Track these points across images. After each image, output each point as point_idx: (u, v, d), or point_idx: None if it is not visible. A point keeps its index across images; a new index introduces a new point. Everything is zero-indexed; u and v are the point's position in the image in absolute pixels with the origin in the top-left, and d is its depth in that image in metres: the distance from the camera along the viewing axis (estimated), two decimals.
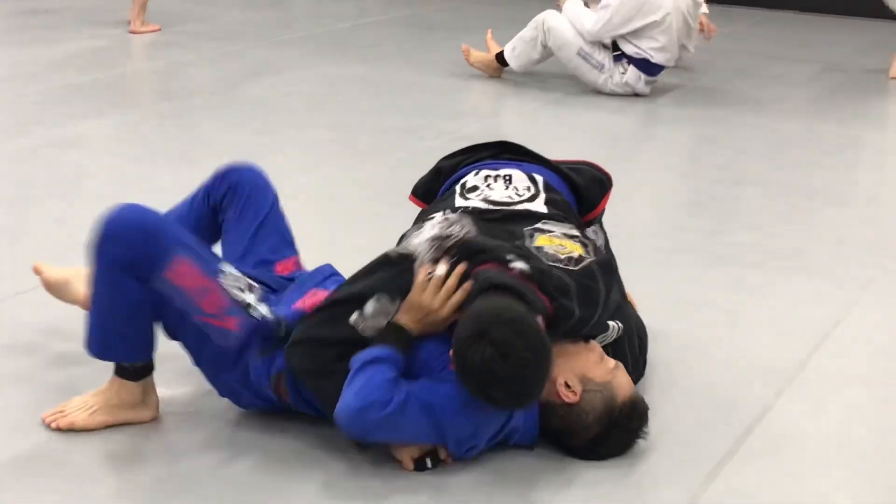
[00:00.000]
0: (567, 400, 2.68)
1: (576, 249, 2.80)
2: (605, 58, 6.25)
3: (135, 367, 2.82)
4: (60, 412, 2.84)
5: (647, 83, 6.32)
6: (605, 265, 2.85)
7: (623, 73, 6.26)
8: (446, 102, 6.21)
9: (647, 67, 6.27)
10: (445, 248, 2.71)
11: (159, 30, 7.58)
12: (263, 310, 2.76)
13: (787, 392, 3.12)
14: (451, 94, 6.39)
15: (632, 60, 6.23)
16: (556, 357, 2.64)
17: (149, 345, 2.82)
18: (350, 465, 2.71)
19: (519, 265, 2.66)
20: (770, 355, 3.33)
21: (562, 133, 5.76)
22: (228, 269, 2.79)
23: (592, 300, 2.73)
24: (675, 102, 6.37)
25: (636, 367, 3.05)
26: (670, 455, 2.79)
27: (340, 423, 2.61)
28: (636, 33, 6.16)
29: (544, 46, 6.37)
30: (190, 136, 5.49)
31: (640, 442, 2.77)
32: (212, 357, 2.83)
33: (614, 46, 6.24)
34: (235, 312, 2.73)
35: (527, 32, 6.40)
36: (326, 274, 2.98)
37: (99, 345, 2.79)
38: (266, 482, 2.65)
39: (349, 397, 2.58)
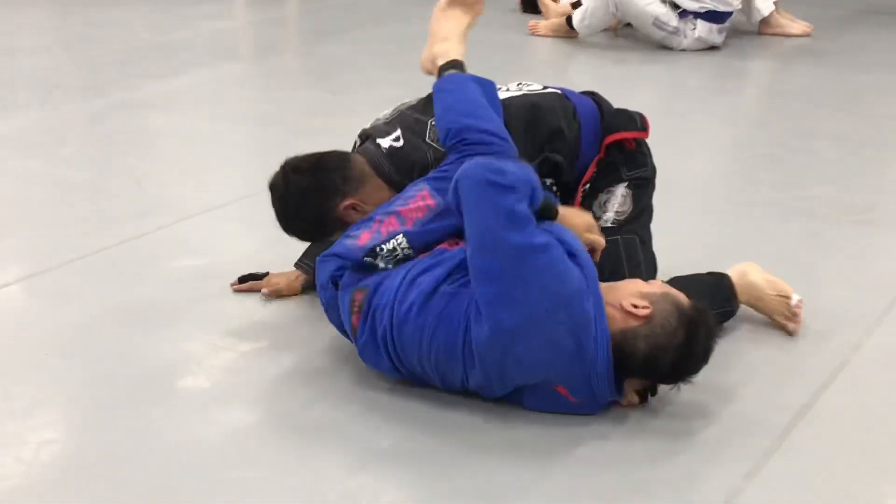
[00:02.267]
0: (643, 314, 2.60)
1: None
2: (676, 20, 6.20)
3: None
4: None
5: (719, 32, 6.28)
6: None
7: (694, 29, 6.21)
8: (512, 59, 6.19)
9: (714, 16, 6.22)
10: None
11: None
12: (380, 263, 2.78)
13: (864, 345, 3.10)
14: (517, 51, 6.38)
15: (697, 15, 6.19)
16: (604, 292, 2.64)
17: None
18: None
19: None
20: (847, 309, 3.31)
21: (633, 88, 5.72)
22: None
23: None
24: (747, 55, 6.31)
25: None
26: (745, 409, 2.78)
27: None
28: None
29: (615, 15, 6.34)
30: (264, 95, 5.53)
31: (710, 399, 2.76)
32: None
33: (674, 5, 6.20)
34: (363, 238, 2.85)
35: (596, 4, 6.34)
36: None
37: None
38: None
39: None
